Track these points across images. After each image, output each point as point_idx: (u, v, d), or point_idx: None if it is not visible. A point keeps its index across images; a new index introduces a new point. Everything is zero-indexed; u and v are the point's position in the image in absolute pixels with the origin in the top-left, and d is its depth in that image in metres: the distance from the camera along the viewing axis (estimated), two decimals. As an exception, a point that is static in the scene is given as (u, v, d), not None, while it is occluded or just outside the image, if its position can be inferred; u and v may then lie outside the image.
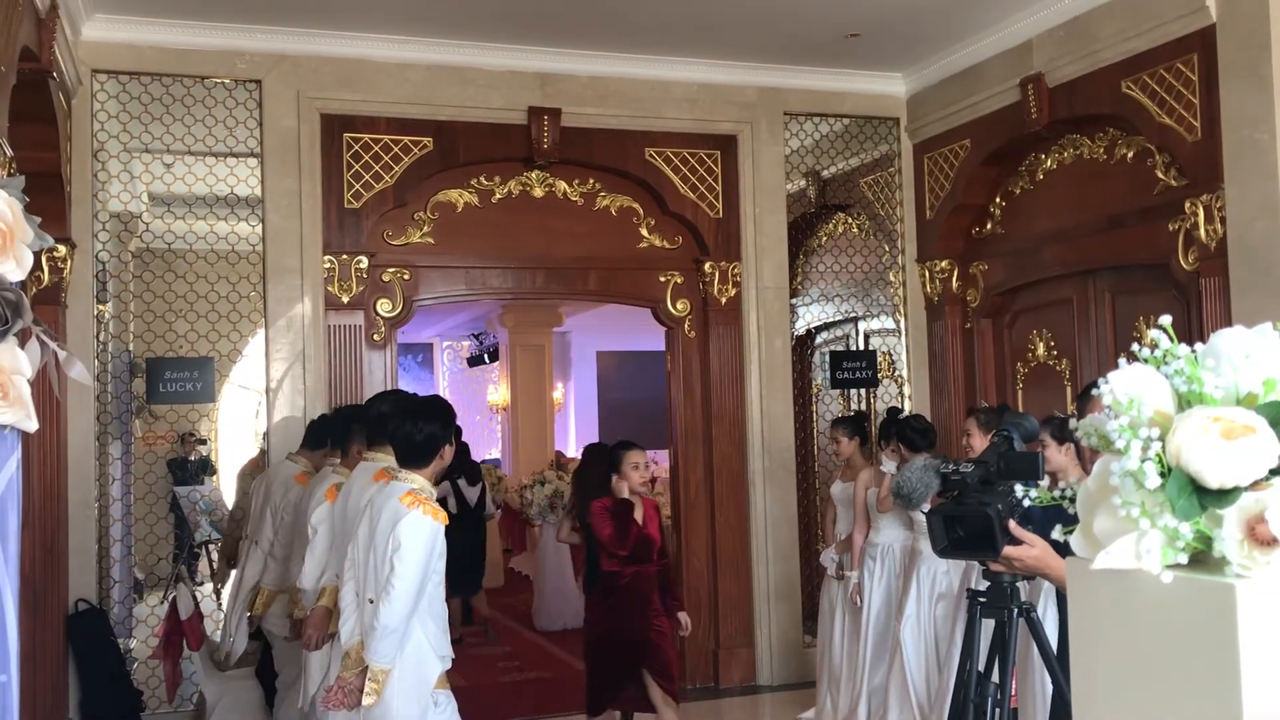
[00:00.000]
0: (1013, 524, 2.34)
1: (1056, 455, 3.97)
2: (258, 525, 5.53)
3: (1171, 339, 1.11)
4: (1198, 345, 1.09)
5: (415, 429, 3.85)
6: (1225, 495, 1.00)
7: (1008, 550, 2.34)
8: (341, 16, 6.41)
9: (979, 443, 5.27)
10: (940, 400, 7.58)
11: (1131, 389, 1.07)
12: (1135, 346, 1.16)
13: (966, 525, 2.31)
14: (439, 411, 3.96)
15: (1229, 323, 5.44)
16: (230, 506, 6.76)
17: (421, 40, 6.75)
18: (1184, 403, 1.07)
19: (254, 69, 6.57)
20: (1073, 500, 1.17)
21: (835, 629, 6.37)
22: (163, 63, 6.42)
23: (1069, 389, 6.82)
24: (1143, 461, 1.02)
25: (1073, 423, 1.28)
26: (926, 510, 2.55)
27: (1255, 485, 1.03)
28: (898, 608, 5.78)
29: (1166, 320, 1.12)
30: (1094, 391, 1.13)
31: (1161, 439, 1.04)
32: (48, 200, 5.69)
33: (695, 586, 7.38)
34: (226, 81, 6.56)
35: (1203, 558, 1.03)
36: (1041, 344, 7.05)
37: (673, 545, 7.93)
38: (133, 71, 6.40)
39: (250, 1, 6.13)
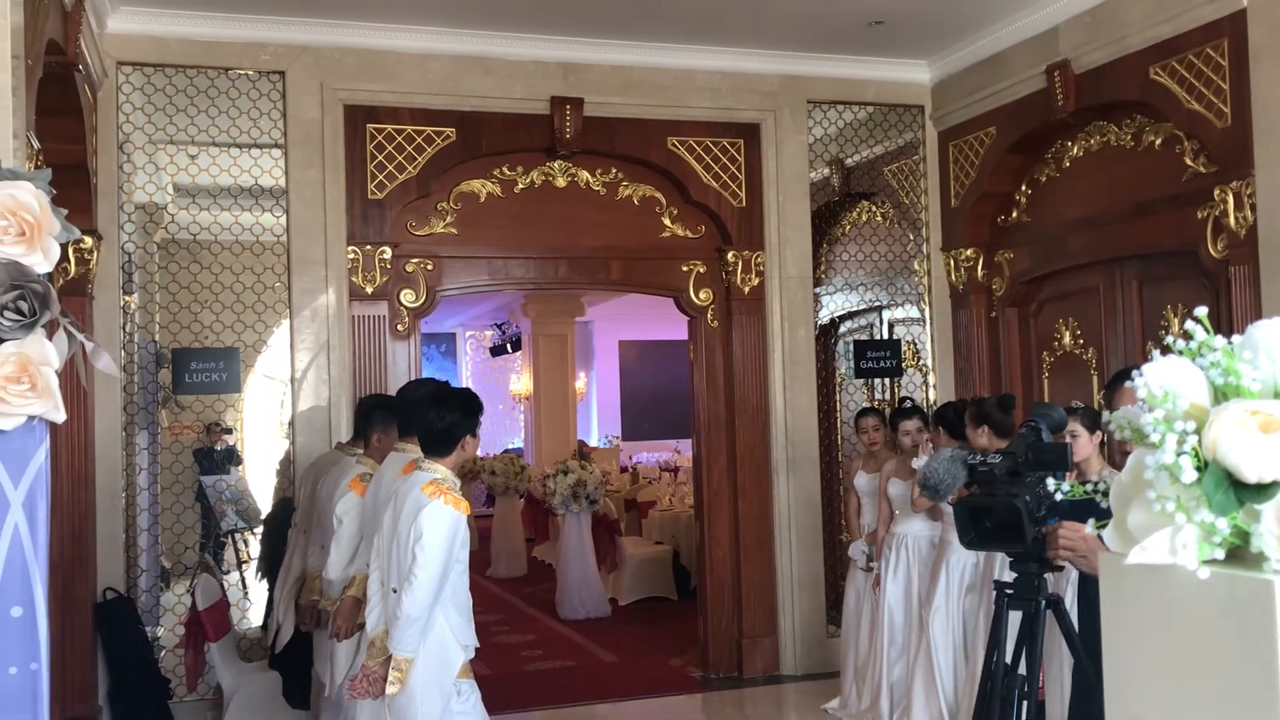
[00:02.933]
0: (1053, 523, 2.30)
1: (1086, 445, 3.92)
2: (308, 514, 5.54)
3: (1207, 330, 1.09)
4: (1234, 337, 1.07)
5: (437, 416, 3.86)
6: (1263, 490, 0.98)
7: (1066, 530, 2.26)
8: (364, 7, 6.41)
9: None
10: (965, 390, 7.52)
11: (1167, 381, 1.04)
12: (1169, 338, 1.14)
13: (994, 516, 2.28)
14: (462, 401, 3.96)
15: (1259, 312, 5.38)
16: (256, 498, 6.80)
17: (444, 30, 6.75)
18: (1220, 395, 1.05)
19: (277, 60, 6.59)
20: (1105, 494, 1.15)
21: (861, 620, 6.36)
22: (187, 55, 6.45)
23: (1095, 378, 6.76)
24: (1178, 455, 1.00)
25: (1105, 414, 1.26)
26: (953, 501, 2.53)
27: (1293, 480, 1.02)
28: (926, 598, 5.76)
29: (1202, 311, 1.10)
30: (1126, 384, 1.11)
31: (1197, 432, 1.02)
32: (74, 192, 5.72)
33: (719, 575, 7.38)
34: (250, 73, 6.59)
35: (1239, 553, 1.00)
36: (1068, 333, 6.99)
37: (695, 534, 7.93)
38: (157, 64, 6.43)
39: (273, -7, 6.15)
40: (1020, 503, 2.26)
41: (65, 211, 2.46)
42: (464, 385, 19.44)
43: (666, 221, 7.45)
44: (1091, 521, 1.13)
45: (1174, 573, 1.00)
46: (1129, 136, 6.46)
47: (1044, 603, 2.42)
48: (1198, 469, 0.99)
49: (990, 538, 2.28)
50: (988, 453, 2.40)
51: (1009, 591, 2.46)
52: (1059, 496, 1.22)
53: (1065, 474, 2.45)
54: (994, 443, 5.09)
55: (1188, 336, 1.08)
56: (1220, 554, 0.99)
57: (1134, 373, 1.10)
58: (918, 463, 5.87)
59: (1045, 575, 2.43)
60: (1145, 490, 1.02)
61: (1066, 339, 7.00)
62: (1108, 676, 1.12)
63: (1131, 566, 1.01)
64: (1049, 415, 2.57)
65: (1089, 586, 2.61)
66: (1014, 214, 7.39)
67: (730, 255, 7.40)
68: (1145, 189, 6.28)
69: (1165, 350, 1.11)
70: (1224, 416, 1.00)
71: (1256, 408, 0.99)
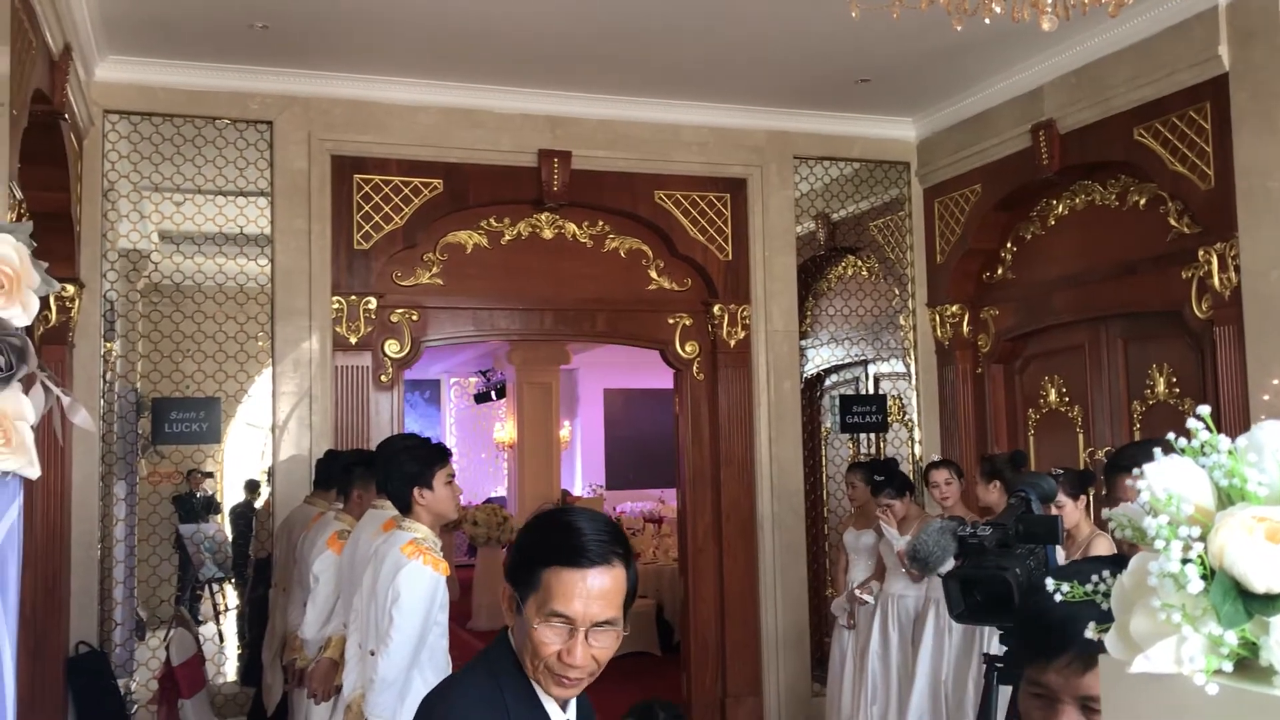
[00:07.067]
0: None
1: (1072, 512, 3.90)
2: (286, 572, 5.44)
3: (1210, 429, 1.06)
4: (1240, 440, 1.04)
5: (384, 476, 3.81)
6: (1272, 601, 0.94)
7: None
8: (353, 59, 6.43)
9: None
10: (950, 446, 7.51)
11: (1171, 484, 1.01)
12: (1170, 435, 1.11)
13: (984, 589, 2.25)
14: (411, 453, 3.86)
15: (1244, 373, 5.38)
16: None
17: (433, 83, 6.77)
18: (1224, 497, 1.02)
19: (265, 110, 6.59)
20: (1106, 595, 1.11)
21: (845, 679, 6.29)
22: (174, 103, 6.45)
23: (1080, 436, 6.75)
24: (1184, 563, 0.96)
25: (1105, 512, 1.23)
26: (943, 573, 2.49)
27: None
28: (911, 657, 5.70)
29: (1205, 410, 1.07)
30: (1128, 483, 1.07)
31: (1203, 538, 0.99)
32: (57, 240, 5.68)
33: (702, 634, 7.29)
34: (238, 122, 6.58)
35: (1248, 663, 0.97)
36: (1053, 390, 6.99)
37: (679, 588, 7.85)
38: (144, 112, 6.42)
39: (262, 44, 6.14)
40: (1010, 575, 2.23)
41: (46, 265, 2.42)
42: (447, 433, 19.34)
43: (653, 274, 7.45)
44: (1092, 625, 1.09)
45: (1179, 682, 0.96)
46: (1114, 196, 6.50)
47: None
48: (1203, 578, 0.96)
49: (980, 611, 2.24)
50: (978, 524, 2.37)
51: (999, 665, 2.42)
52: (1058, 598, 1.18)
53: (1056, 546, 2.44)
54: (1003, 499, 5.06)
55: (1190, 435, 1.05)
56: (1229, 666, 0.95)
57: (1134, 470, 1.07)
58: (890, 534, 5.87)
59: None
60: (1149, 596, 0.99)
61: (1052, 396, 7.00)
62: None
63: (1134, 674, 0.98)
64: (1038, 485, 2.53)
65: None
66: (999, 271, 7.42)
67: (716, 308, 7.39)
68: (1130, 248, 6.30)
69: (1168, 449, 1.08)
70: (1229, 523, 0.96)
71: (1263, 514, 0.96)
